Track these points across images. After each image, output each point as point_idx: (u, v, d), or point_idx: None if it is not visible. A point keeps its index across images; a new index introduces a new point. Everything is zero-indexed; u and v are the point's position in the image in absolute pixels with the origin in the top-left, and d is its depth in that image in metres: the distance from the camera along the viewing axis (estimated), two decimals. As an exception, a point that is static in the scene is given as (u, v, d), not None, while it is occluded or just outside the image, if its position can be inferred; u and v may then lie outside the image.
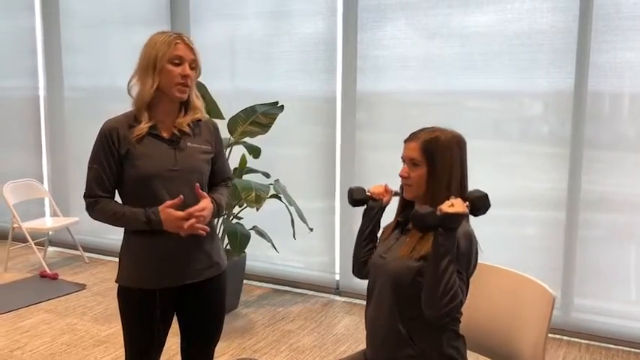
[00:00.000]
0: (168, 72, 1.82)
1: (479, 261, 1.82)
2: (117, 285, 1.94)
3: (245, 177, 3.81)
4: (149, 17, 4.64)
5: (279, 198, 3.68)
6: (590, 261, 3.38)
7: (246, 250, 3.74)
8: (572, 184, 3.38)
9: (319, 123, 4.12)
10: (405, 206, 1.86)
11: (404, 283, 1.70)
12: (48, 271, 4.44)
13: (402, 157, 1.81)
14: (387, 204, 1.93)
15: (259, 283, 4.33)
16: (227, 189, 2.08)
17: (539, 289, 1.87)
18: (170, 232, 1.82)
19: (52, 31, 5.08)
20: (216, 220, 3.65)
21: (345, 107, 4.00)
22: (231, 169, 3.71)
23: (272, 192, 3.62)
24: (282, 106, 3.79)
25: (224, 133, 3.72)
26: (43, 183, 5.16)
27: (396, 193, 1.87)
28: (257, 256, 4.17)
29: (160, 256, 1.87)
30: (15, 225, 4.55)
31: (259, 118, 3.71)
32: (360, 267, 1.97)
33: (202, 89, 3.51)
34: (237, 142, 3.75)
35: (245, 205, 3.56)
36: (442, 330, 1.73)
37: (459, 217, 1.60)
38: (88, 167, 1.87)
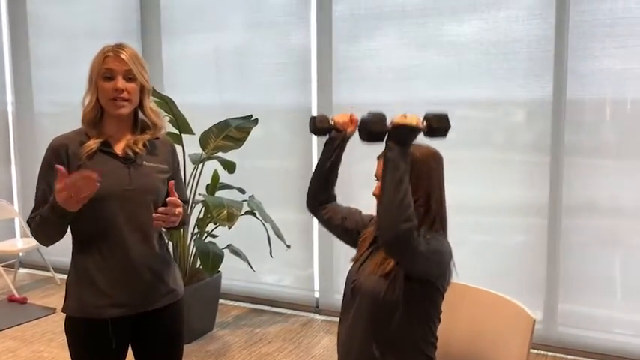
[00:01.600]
0: (101, 88, 1.73)
1: (455, 280, 1.72)
2: (64, 316, 1.79)
3: (219, 193, 3.68)
4: (120, 30, 4.51)
5: (254, 215, 3.56)
6: (575, 270, 3.30)
7: (222, 269, 3.61)
8: (554, 192, 3.31)
9: (295, 135, 4.01)
10: None
11: (377, 301, 1.60)
12: (16, 294, 4.27)
13: (375, 175, 1.71)
14: (351, 135, 1.79)
15: (237, 303, 4.19)
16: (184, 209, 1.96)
17: (519, 311, 1.78)
18: (121, 253, 1.72)
19: (21, 44, 4.93)
20: (188, 240, 3.54)
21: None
22: (204, 185, 3.67)
23: (246, 209, 3.50)
24: (257, 119, 3.68)
25: (196, 149, 3.64)
26: (12, 203, 4.99)
27: None
28: (234, 274, 4.04)
29: (110, 282, 1.74)
30: (-19, 247, 4.38)
31: (232, 132, 3.60)
32: (314, 202, 1.86)
33: (170, 104, 3.39)
34: (210, 157, 3.62)
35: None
36: (416, 355, 1.62)
37: (411, 130, 1.49)
38: (36, 189, 1.74)
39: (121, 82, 1.71)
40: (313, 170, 1.86)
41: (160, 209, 1.68)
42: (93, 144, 1.73)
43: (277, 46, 3.98)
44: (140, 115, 1.83)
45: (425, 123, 1.51)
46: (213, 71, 4.25)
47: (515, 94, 3.37)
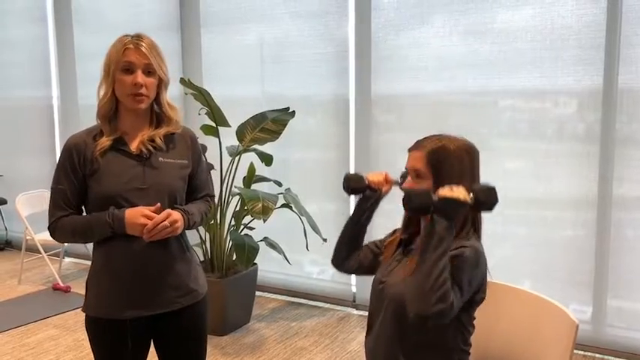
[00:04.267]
0: (119, 81, 1.67)
1: (494, 280, 1.63)
2: (84, 315, 1.75)
3: (257, 186, 3.66)
4: (159, 23, 4.54)
5: (290, 208, 3.52)
6: (626, 266, 3.12)
7: (259, 261, 3.60)
8: (604, 184, 3.14)
9: (333, 126, 3.95)
10: (409, 223, 1.68)
11: (405, 308, 1.51)
12: (61, 283, 4.38)
13: (405, 168, 1.63)
14: (386, 194, 1.71)
15: (274, 295, 4.17)
16: (205, 203, 1.88)
17: (561, 315, 1.66)
18: (137, 253, 1.67)
19: (66, 39, 5.03)
20: (225, 233, 3.50)
21: (360, 109, 3.81)
22: (241, 178, 3.66)
23: (282, 201, 3.46)
24: (293, 112, 3.63)
25: (232, 141, 3.62)
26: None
27: (396, 183, 1.66)
28: (272, 266, 4.02)
29: (126, 282, 1.69)
30: (28, 237, 4.49)
31: (269, 124, 3.56)
32: (341, 259, 1.77)
33: (206, 95, 3.38)
34: (246, 150, 3.60)
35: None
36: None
37: (458, 204, 1.41)
38: (52, 189, 1.71)
39: (140, 77, 1.65)
40: (343, 228, 1.77)
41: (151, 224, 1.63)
42: (106, 141, 1.69)
43: (315, 36, 3.92)
44: (155, 108, 1.77)
45: (472, 196, 1.44)
46: (251, 63, 4.22)
47: (563, 83, 3.21)
